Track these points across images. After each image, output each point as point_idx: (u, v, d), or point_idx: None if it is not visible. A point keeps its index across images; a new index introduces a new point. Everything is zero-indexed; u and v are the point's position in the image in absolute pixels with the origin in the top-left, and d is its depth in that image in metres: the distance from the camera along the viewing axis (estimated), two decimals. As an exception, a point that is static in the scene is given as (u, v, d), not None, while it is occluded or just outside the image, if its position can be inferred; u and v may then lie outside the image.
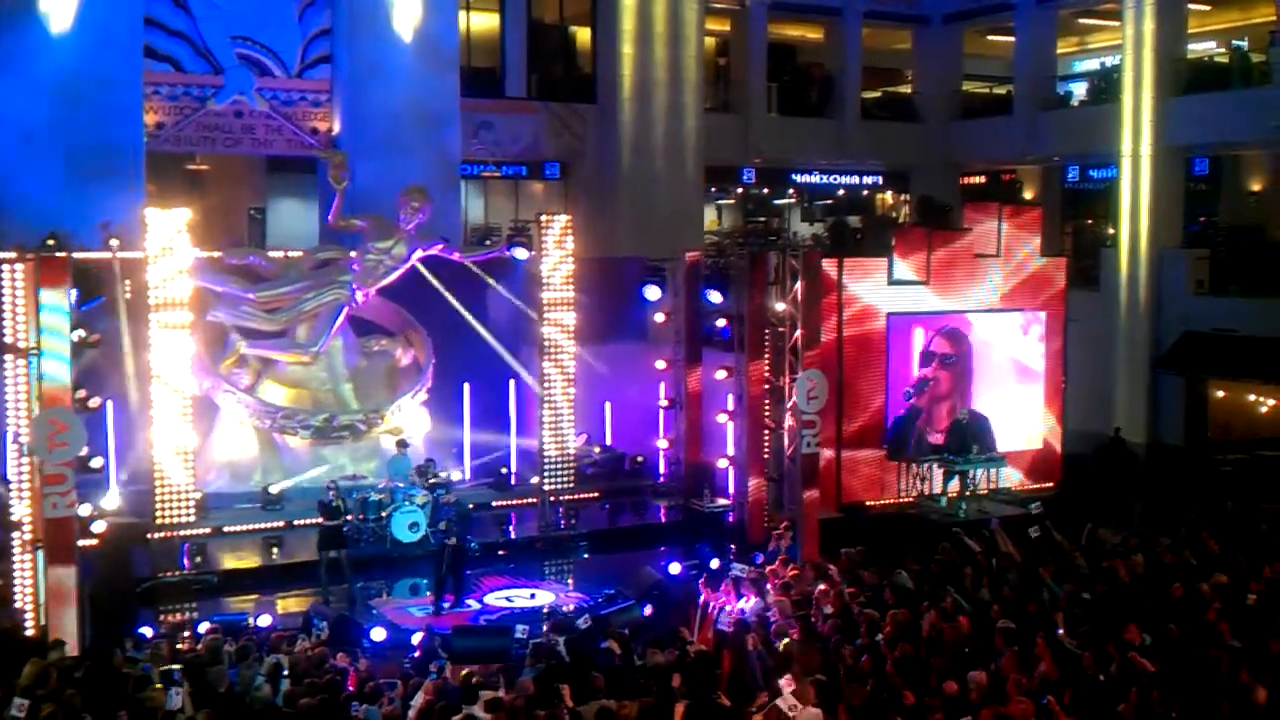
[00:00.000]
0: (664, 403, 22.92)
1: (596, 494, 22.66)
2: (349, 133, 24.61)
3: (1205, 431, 27.63)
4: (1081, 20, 33.40)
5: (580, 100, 29.63)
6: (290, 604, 17.34)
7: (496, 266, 22.12)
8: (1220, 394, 27.77)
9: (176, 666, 12.21)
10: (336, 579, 17.66)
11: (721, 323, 21.48)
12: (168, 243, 18.79)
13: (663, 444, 23.15)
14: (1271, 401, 26.96)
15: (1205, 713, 10.29)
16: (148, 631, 15.10)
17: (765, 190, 35.18)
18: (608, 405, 23.78)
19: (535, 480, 21.81)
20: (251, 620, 15.42)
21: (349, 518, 18.73)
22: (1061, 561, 14.97)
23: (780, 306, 19.99)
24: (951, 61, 34.49)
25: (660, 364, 22.73)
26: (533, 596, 17.79)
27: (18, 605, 14.82)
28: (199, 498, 19.72)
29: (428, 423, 22.42)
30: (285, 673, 12.22)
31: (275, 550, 19.47)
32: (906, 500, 21.10)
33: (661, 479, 23.20)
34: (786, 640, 12.47)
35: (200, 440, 20.31)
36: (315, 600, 16.99)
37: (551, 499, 21.53)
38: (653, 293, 22.22)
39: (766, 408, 20.45)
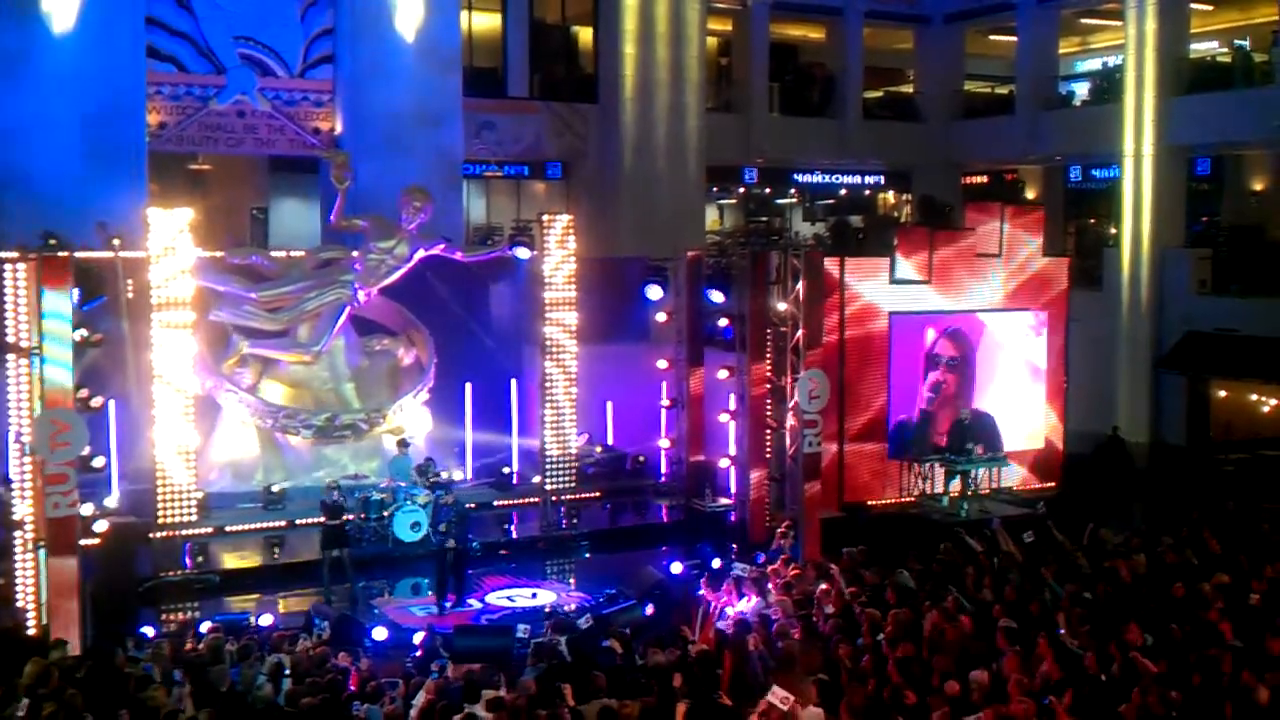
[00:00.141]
0: (666, 402, 22.92)
1: (598, 493, 22.65)
2: (351, 132, 24.62)
3: (1207, 431, 27.64)
4: (1083, 20, 33.40)
5: (582, 100, 29.65)
6: (292, 603, 17.33)
7: (498, 266, 22.12)
8: (1222, 394, 27.77)
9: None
10: (339, 578, 17.67)
11: (723, 322, 21.47)
12: (170, 242, 18.81)
13: (664, 443, 23.15)
14: (1273, 401, 26.95)
15: (1207, 713, 10.29)
16: (149, 631, 15.13)
17: (767, 190, 35.20)
18: (609, 405, 23.78)
19: (537, 480, 21.81)
20: (253, 620, 15.42)
21: (349, 517, 18.73)
22: (1063, 561, 14.97)
23: (782, 306, 19.98)
24: (953, 61, 34.49)
25: (662, 363, 22.73)
26: (534, 596, 17.79)
27: (19, 604, 14.82)
28: (201, 497, 19.73)
29: (429, 422, 22.42)
30: (287, 672, 12.22)
31: (277, 550, 19.49)
32: (908, 500, 21.08)
33: (663, 478, 23.20)
34: (787, 640, 12.47)
35: (202, 440, 20.33)
36: (317, 600, 16.98)
37: (553, 498, 21.54)
38: (654, 292, 22.22)
39: (768, 407, 20.45)
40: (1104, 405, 27.33)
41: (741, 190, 34.77)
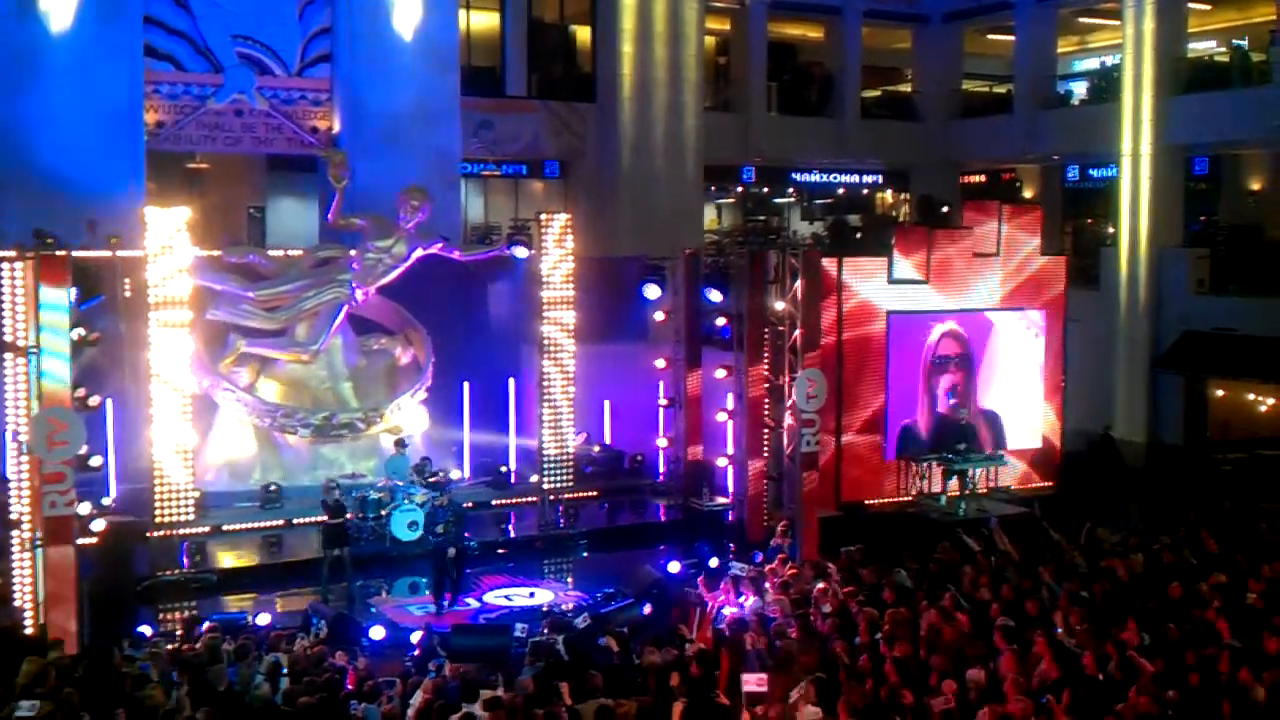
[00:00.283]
0: (663, 401, 22.91)
1: (596, 493, 22.65)
2: (349, 131, 24.61)
3: (1205, 431, 27.65)
4: (1081, 19, 33.42)
5: (580, 99, 29.65)
6: (289, 603, 17.32)
7: (496, 265, 22.11)
8: (1220, 393, 27.79)
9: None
10: (337, 577, 17.67)
11: (721, 321, 21.47)
12: (167, 241, 18.79)
13: (662, 443, 23.14)
14: (1271, 401, 26.96)
15: (1204, 712, 10.29)
16: (146, 630, 15.13)
17: (765, 189, 35.20)
18: (607, 404, 23.77)
19: (535, 479, 21.81)
20: (250, 619, 15.41)
21: (348, 515, 18.73)
22: (1060, 560, 14.98)
23: (780, 305, 19.98)
24: (951, 60, 34.51)
25: (660, 363, 22.72)
26: (532, 595, 17.78)
27: (17, 604, 14.80)
28: (198, 496, 19.70)
29: (426, 421, 22.42)
30: (284, 671, 12.22)
31: (274, 549, 19.48)
32: (906, 499, 21.09)
33: (661, 478, 23.19)
34: (785, 639, 12.47)
35: (199, 439, 20.31)
36: (314, 599, 16.98)
37: (551, 498, 21.53)
38: (652, 291, 22.23)
39: (766, 406, 20.45)
40: (1102, 404, 27.35)
41: (739, 189, 34.77)
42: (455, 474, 21.59)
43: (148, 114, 23.50)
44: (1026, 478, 22.44)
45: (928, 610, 12.79)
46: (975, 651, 11.55)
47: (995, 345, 22.13)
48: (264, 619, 15.42)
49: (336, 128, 25.01)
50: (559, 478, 21.77)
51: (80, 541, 15.36)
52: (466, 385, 22.68)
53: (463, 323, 23.36)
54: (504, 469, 22.52)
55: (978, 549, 15.77)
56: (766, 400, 20.41)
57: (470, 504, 19.69)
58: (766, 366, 20.37)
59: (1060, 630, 12.22)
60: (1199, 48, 30.75)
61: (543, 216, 22.02)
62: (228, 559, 19.09)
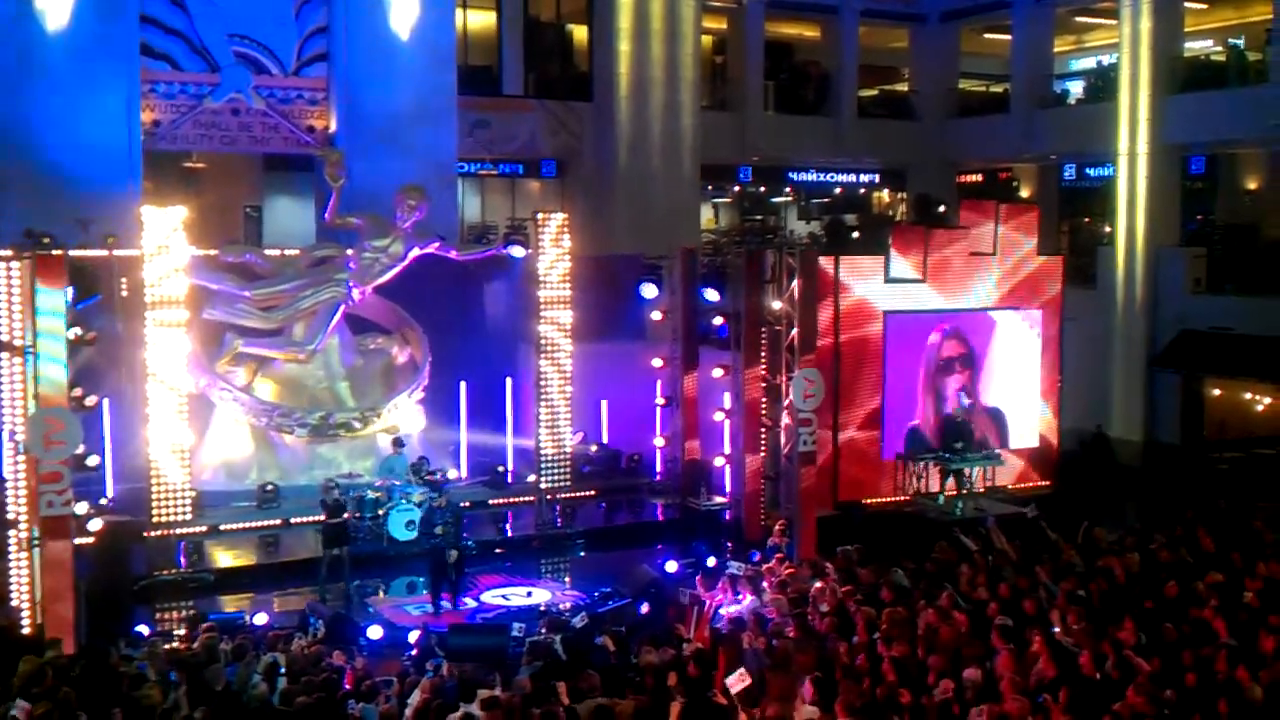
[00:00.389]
0: (661, 401, 22.92)
1: (593, 492, 22.66)
2: (345, 130, 24.59)
3: (1201, 430, 27.66)
4: (1078, 18, 33.41)
5: (577, 98, 29.64)
6: (287, 602, 17.31)
7: (493, 264, 22.10)
8: (1217, 392, 27.80)
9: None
10: (335, 577, 17.66)
11: (718, 321, 21.48)
12: (164, 240, 18.81)
13: (659, 442, 23.15)
14: (1268, 400, 26.98)
15: (1201, 711, 10.30)
16: (144, 629, 15.12)
17: (762, 188, 35.19)
18: (604, 403, 23.77)
19: (532, 478, 21.81)
20: (247, 618, 15.40)
21: (347, 515, 18.72)
22: (1057, 559, 14.98)
23: (777, 305, 19.99)
24: (948, 60, 34.50)
25: (657, 362, 22.73)
26: (529, 595, 17.79)
27: (14, 603, 14.79)
28: (195, 496, 19.71)
29: (423, 421, 22.41)
30: (282, 671, 12.21)
31: (271, 548, 19.47)
32: (903, 498, 21.10)
33: (658, 477, 23.20)
34: (782, 638, 12.48)
35: (196, 438, 20.31)
36: (311, 598, 16.97)
37: (548, 497, 21.53)
38: (649, 291, 22.23)
39: (763, 406, 20.48)
40: (1099, 403, 27.37)
41: (736, 189, 34.76)
42: (452, 474, 21.59)
43: (144, 113, 23.46)
44: (1024, 477, 22.46)
45: (925, 610, 12.80)
46: (972, 651, 11.56)
47: (995, 344, 22.18)
48: (261, 619, 15.41)
49: (333, 127, 24.98)
50: (556, 477, 21.78)
51: (77, 541, 15.36)
52: (463, 385, 22.67)
53: (460, 322, 23.34)
54: (501, 469, 22.51)
55: (975, 548, 15.78)
56: (764, 399, 20.44)
57: (467, 503, 19.68)
58: (764, 366, 20.39)
59: (1057, 629, 12.22)
60: (1195, 47, 30.75)
61: (539, 216, 22.03)
62: (225, 558, 19.08)
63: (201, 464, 20.72)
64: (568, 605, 16.72)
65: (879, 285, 21.27)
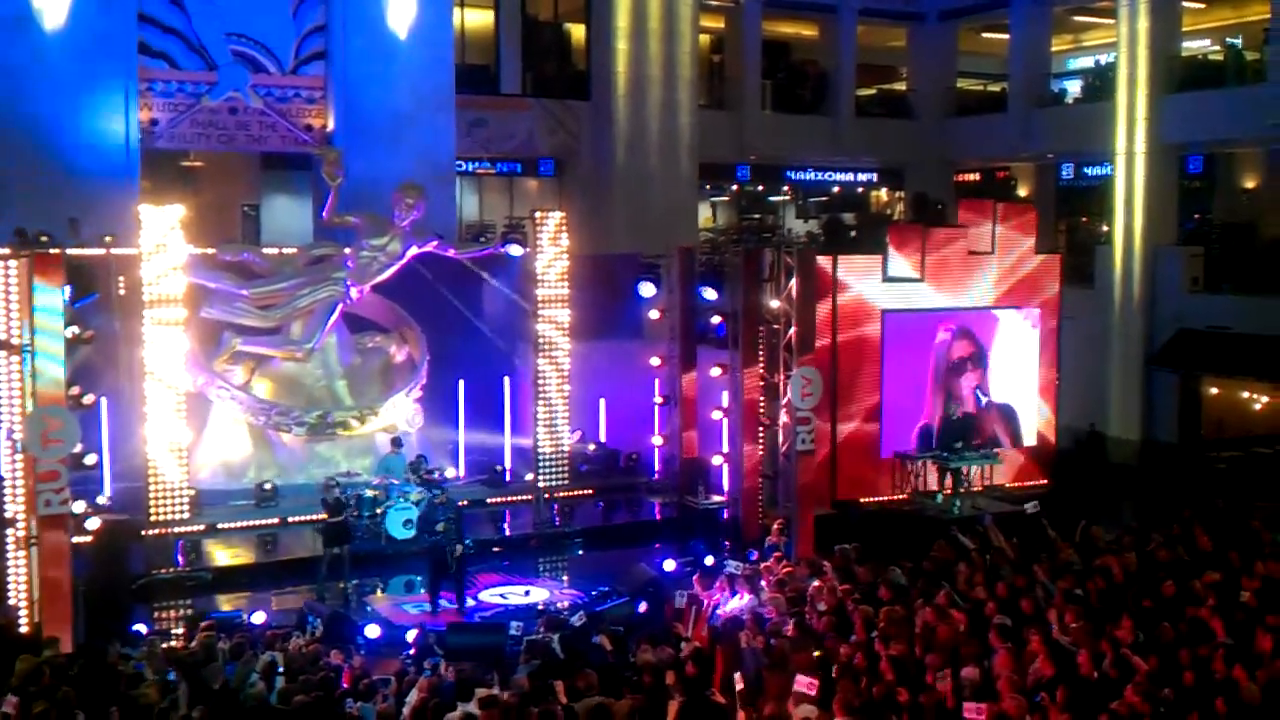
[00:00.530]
0: (659, 400, 22.93)
1: (591, 491, 22.66)
2: (343, 129, 24.57)
3: (1199, 428, 27.69)
4: (1076, 18, 33.46)
5: (575, 97, 29.64)
6: (284, 601, 17.31)
7: (491, 263, 22.10)
8: (1214, 391, 27.83)
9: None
10: (334, 575, 17.65)
11: (716, 320, 21.47)
12: (162, 239, 18.80)
13: (657, 441, 23.15)
14: (1265, 399, 27.02)
15: (1199, 710, 10.31)
16: (142, 628, 15.11)
17: (760, 187, 35.22)
18: (602, 402, 23.77)
19: (530, 477, 21.81)
20: (245, 617, 15.40)
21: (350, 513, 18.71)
22: (1055, 558, 14.99)
23: (775, 303, 20.00)
24: (946, 59, 34.51)
25: (655, 361, 22.74)
26: (527, 593, 17.80)
27: (11, 602, 14.77)
28: (193, 494, 19.71)
29: (420, 419, 22.38)
30: (280, 670, 12.21)
31: (269, 547, 19.47)
32: (901, 497, 21.12)
33: (656, 476, 23.20)
34: (780, 637, 12.48)
35: (194, 437, 20.30)
36: (309, 597, 16.96)
37: (546, 496, 21.54)
38: (647, 289, 22.21)
39: (761, 404, 20.48)
40: (1096, 402, 27.39)
41: (734, 187, 34.77)
42: (450, 472, 21.58)
43: (142, 112, 23.43)
44: (1022, 475, 22.47)
45: (923, 608, 12.79)
46: (970, 650, 11.56)
47: (997, 342, 22.21)
48: (259, 617, 15.40)
49: (331, 125, 24.97)
50: (554, 476, 21.79)
51: (75, 540, 15.36)
52: (461, 383, 22.65)
53: (458, 321, 23.32)
54: (499, 467, 22.51)
55: (973, 547, 15.77)
56: (762, 398, 20.45)
57: (465, 502, 19.67)
58: (762, 364, 20.39)
59: (1055, 628, 12.23)
60: (1193, 46, 30.78)
61: (537, 214, 22.04)
62: (223, 557, 19.07)
63: (199, 463, 20.71)
64: (565, 604, 16.72)
65: (877, 284, 21.29)
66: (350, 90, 24.60)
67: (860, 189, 36.28)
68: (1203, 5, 30.76)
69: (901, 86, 36.17)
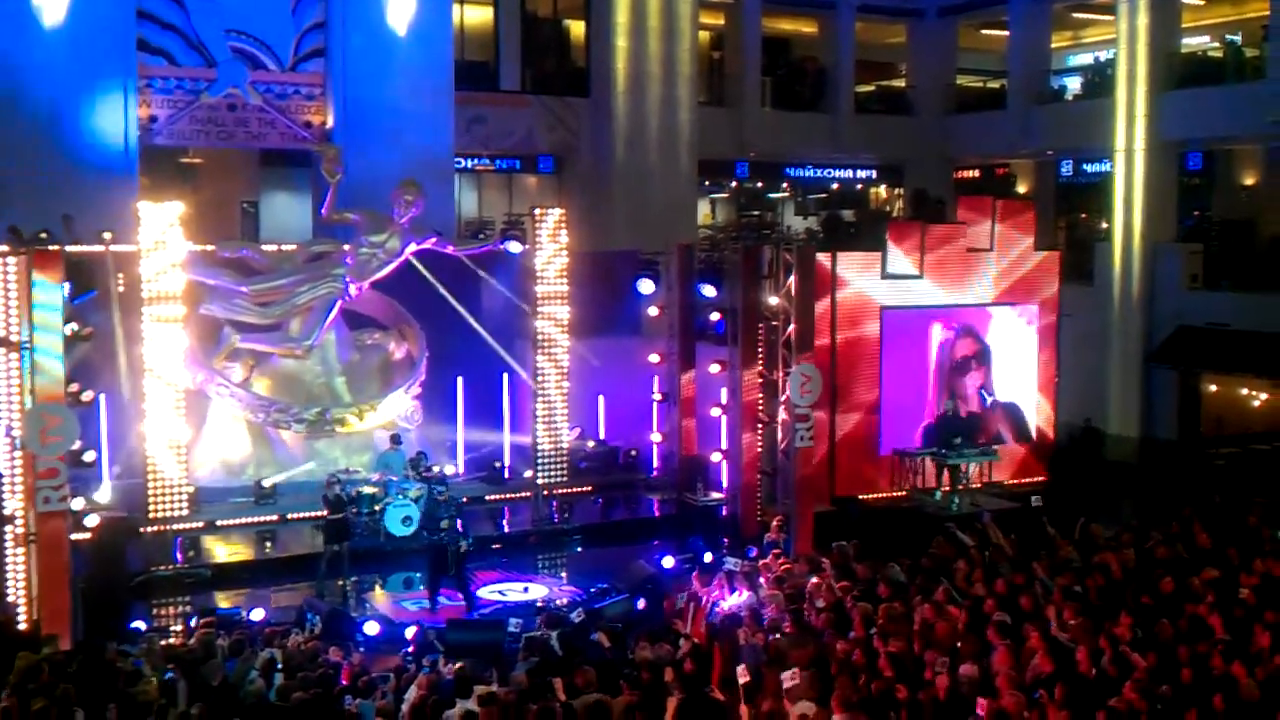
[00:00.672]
0: (657, 397, 22.93)
1: (590, 488, 22.66)
2: (342, 126, 24.55)
3: (1198, 425, 27.70)
4: (1076, 14, 33.45)
5: (574, 94, 29.62)
6: (283, 598, 17.32)
7: (490, 260, 22.10)
8: (1213, 388, 27.84)
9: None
10: (334, 573, 17.66)
11: (715, 317, 21.46)
12: (161, 236, 18.81)
13: (656, 438, 23.16)
14: (1264, 395, 27.02)
15: (1197, 707, 10.31)
16: (141, 625, 15.11)
17: (759, 184, 35.21)
18: (601, 399, 23.76)
19: (529, 474, 21.82)
20: (244, 614, 15.40)
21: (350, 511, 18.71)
22: (1054, 555, 15.00)
23: (774, 300, 20.00)
24: (946, 55, 34.49)
25: (654, 358, 22.74)
26: (526, 590, 17.80)
27: (10, 599, 14.78)
28: (192, 491, 19.72)
29: (419, 416, 22.38)
30: (279, 667, 12.21)
31: (268, 544, 19.47)
32: (900, 494, 21.13)
33: (655, 473, 23.22)
34: (779, 634, 12.49)
35: (193, 434, 20.30)
36: (308, 594, 16.97)
37: (545, 493, 21.55)
38: (646, 286, 22.20)
39: (760, 401, 20.48)
40: (1095, 399, 27.38)
41: (734, 184, 34.76)
42: (449, 469, 21.58)
43: (141, 108, 23.41)
44: (1020, 472, 22.48)
45: (921, 605, 12.80)
46: (969, 646, 11.57)
47: (997, 339, 22.21)
48: (258, 614, 15.41)
49: (330, 122, 24.95)
50: (553, 473, 21.80)
51: (74, 537, 15.34)
52: (460, 380, 22.65)
53: (457, 318, 23.30)
54: (498, 464, 22.51)
55: (971, 544, 15.79)
56: (761, 395, 20.45)
57: (465, 499, 19.67)
58: (761, 361, 20.39)
59: (1054, 625, 12.23)
60: (1192, 43, 30.78)
61: (537, 211, 22.04)
62: (222, 554, 19.07)
63: (198, 460, 20.70)
64: (564, 601, 16.73)
65: (876, 281, 21.29)
66: (349, 87, 24.58)
67: (859, 186, 36.26)
68: (1202, 2, 30.75)
69: (901, 83, 36.15)
